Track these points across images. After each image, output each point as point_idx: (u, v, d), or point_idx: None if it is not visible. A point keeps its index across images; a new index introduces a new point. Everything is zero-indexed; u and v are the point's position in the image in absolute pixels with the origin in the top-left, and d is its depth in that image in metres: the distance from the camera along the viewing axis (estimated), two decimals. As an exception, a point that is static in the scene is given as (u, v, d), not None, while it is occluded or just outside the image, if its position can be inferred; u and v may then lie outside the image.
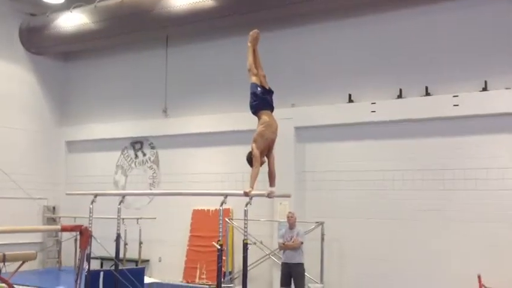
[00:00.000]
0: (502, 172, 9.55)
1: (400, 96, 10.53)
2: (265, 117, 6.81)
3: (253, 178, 6.67)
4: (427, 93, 10.25)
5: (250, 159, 6.68)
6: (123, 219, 10.11)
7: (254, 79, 6.99)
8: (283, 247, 9.67)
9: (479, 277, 8.53)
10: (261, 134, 6.71)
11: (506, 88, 9.55)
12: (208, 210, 12.34)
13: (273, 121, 6.84)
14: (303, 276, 9.56)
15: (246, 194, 6.97)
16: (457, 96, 9.82)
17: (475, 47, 10.03)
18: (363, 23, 11.21)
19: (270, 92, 7.00)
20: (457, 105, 9.79)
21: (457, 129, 10.00)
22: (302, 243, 9.59)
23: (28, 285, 7.87)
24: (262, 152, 6.68)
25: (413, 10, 10.67)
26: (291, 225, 9.72)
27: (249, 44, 7.10)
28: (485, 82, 9.72)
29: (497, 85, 9.62)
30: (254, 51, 7.12)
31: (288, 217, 9.82)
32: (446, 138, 10.12)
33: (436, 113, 10.06)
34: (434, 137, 10.24)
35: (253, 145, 6.67)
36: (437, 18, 10.45)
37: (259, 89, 6.90)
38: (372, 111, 10.62)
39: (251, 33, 7.13)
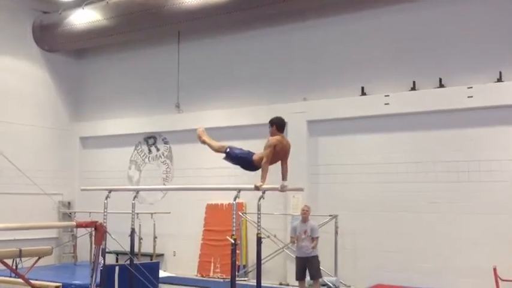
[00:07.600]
0: (517, 163, 9.47)
1: (413, 88, 10.46)
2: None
3: (264, 172, 6.75)
4: (441, 85, 10.16)
5: (272, 123, 7.04)
6: (137, 214, 10.18)
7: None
8: (293, 241, 9.63)
9: (495, 270, 8.47)
10: (273, 146, 6.87)
11: (521, 79, 9.46)
12: (222, 205, 12.37)
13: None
14: (318, 268, 9.47)
15: (256, 188, 7.00)
16: (471, 87, 9.73)
17: (489, 37, 9.92)
18: (375, 16, 11.14)
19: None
20: (471, 96, 9.70)
21: (471, 121, 9.92)
22: (318, 237, 9.52)
23: (44, 281, 7.93)
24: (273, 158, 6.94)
25: (427, 2, 10.58)
26: (305, 219, 9.66)
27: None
28: (500, 73, 9.61)
29: (512, 76, 9.52)
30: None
31: (303, 210, 9.72)
32: (461, 130, 10.04)
33: (450, 104, 9.98)
34: (448, 128, 10.16)
35: (267, 151, 6.85)
36: (450, 10, 10.35)
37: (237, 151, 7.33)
38: (385, 104, 10.56)
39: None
